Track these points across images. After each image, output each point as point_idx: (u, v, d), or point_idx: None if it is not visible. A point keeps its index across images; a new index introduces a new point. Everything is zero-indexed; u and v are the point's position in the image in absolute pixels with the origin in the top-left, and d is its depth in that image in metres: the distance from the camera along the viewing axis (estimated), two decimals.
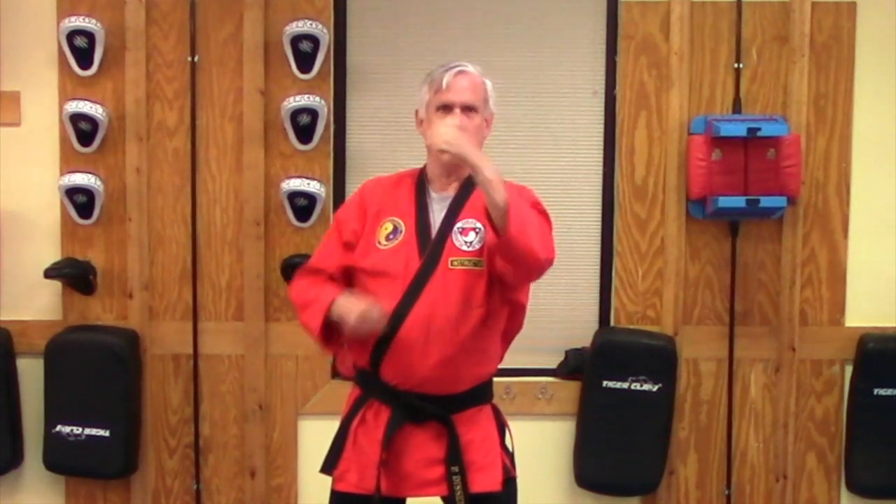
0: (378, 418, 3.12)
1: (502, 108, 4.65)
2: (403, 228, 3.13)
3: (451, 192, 3.16)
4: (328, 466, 3.17)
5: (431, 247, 3.09)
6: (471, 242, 3.07)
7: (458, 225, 3.09)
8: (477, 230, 3.07)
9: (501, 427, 3.20)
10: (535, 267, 2.95)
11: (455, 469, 3.04)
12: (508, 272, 2.99)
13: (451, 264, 3.06)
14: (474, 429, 3.11)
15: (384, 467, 3.06)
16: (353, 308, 2.98)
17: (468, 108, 3.10)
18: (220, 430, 4.70)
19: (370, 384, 3.15)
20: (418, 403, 3.07)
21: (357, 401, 3.21)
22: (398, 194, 3.20)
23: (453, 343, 3.04)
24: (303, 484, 4.72)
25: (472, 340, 3.06)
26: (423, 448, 3.09)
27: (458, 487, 3.04)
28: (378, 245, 3.12)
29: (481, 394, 3.17)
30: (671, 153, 4.62)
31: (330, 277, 3.18)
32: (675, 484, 4.72)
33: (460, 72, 3.12)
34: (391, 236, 3.12)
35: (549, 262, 2.99)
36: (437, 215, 3.14)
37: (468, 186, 3.11)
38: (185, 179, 4.63)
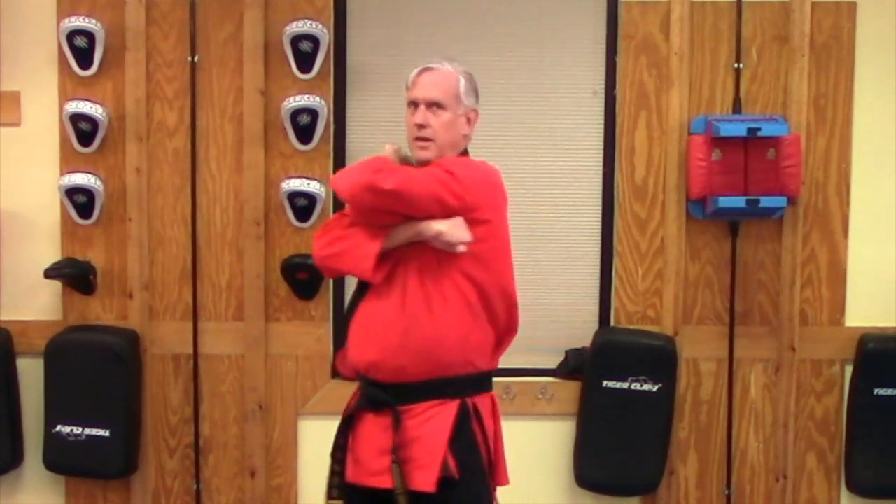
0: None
1: (502, 107, 4.69)
2: None
3: None
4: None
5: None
6: None
7: None
8: None
9: (463, 426, 3.08)
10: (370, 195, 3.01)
11: (394, 458, 3.04)
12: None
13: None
14: (426, 425, 3.07)
15: (350, 453, 3.11)
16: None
17: (433, 104, 3.14)
18: (220, 430, 4.70)
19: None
20: (370, 390, 3.11)
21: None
22: None
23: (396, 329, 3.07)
24: (303, 484, 4.72)
25: (419, 327, 3.05)
26: (375, 437, 3.09)
27: (398, 481, 3.03)
28: None
29: (439, 388, 3.09)
30: (671, 153, 4.62)
31: None
32: (675, 484, 4.72)
33: (426, 69, 3.20)
34: None
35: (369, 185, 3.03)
36: None
37: None
38: (185, 179, 4.63)
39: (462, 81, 3.18)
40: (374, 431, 3.10)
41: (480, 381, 3.17)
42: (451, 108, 3.15)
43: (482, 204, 3.08)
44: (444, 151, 3.15)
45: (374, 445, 3.09)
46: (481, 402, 3.15)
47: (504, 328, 3.19)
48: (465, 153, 3.23)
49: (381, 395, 3.09)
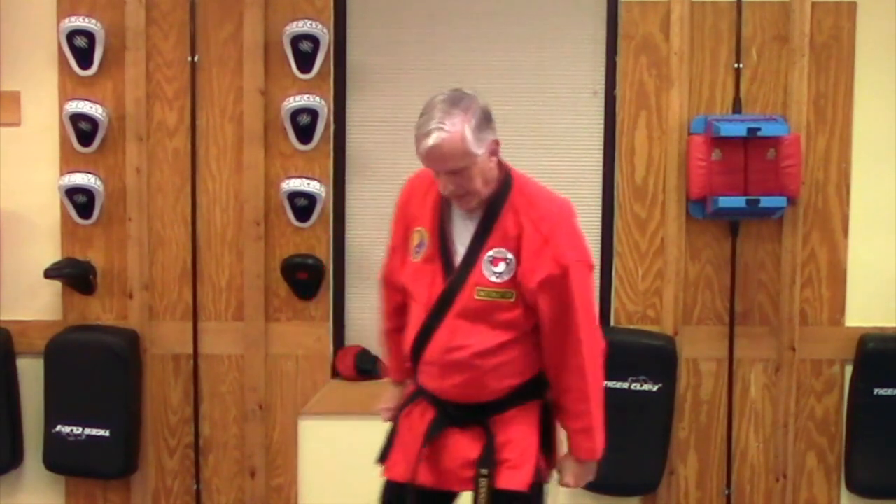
0: (424, 416, 3.15)
1: (502, 107, 4.65)
2: (426, 242, 3.09)
3: (478, 211, 3.05)
4: (380, 457, 3.26)
5: (458, 272, 3.04)
6: (500, 273, 3.00)
7: (490, 254, 3.02)
8: (507, 261, 3.00)
9: (547, 427, 3.13)
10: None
11: (484, 472, 3.04)
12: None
13: (478, 294, 3.02)
14: (513, 428, 3.07)
15: (428, 462, 3.10)
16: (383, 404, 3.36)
17: (451, 172, 2.94)
18: (220, 430, 4.70)
19: (419, 385, 3.20)
20: (454, 412, 3.10)
21: (410, 396, 3.24)
22: (427, 200, 3.13)
23: (474, 368, 3.03)
24: (303, 484, 4.72)
25: (496, 362, 3.04)
26: (463, 449, 3.10)
27: (483, 490, 3.03)
28: (411, 257, 3.14)
29: (521, 395, 3.10)
30: (671, 153, 4.62)
31: (399, 293, 3.23)
32: (675, 484, 4.72)
33: (430, 147, 2.90)
34: (418, 249, 3.11)
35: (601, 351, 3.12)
36: (459, 232, 3.06)
37: (494, 207, 3.03)
38: (185, 179, 4.63)
39: (468, 134, 2.90)
40: (460, 444, 3.10)
41: (545, 379, 3.14)
42: (471, 164, 2.92)
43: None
44: (482, 193, 3.00)
45: (461, 456, 3.10)
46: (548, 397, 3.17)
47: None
48: (504, 175, 3.06)
49: (470, 416, 3.09)
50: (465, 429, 3.10)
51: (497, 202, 3.02)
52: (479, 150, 2.93)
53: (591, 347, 3.04)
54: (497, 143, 3.02)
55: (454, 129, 2.89)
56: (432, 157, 2.92)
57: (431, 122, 2.90)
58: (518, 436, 3.08)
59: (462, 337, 3.02)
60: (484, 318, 3.02)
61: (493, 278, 3.01)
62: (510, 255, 3.01)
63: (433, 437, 3.10)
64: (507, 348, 3.03)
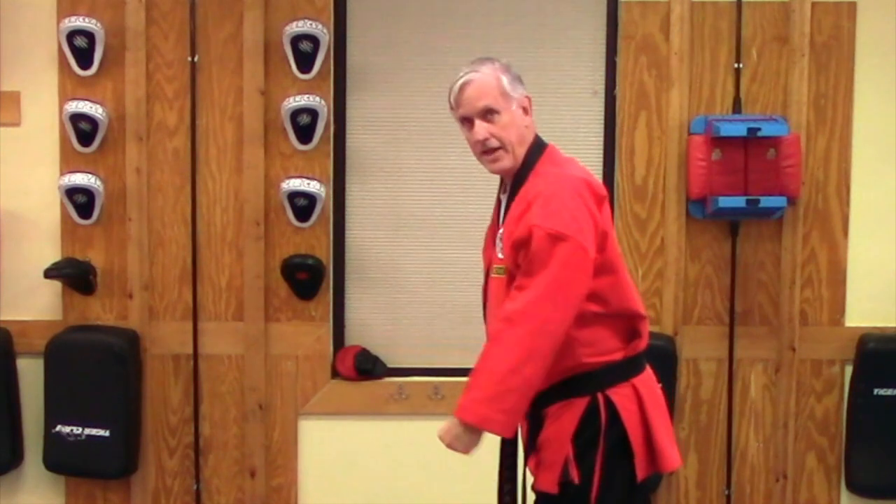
0: None
1: None
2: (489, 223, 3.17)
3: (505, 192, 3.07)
4: None
5: (488, 252, 3.09)
6: (503, 249, 3.00)
7: (501, 230, 3.02)
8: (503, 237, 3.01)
9: (586, 426, 2.97)
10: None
11: (514, 475, 3.07)
12: None
13: (494, 272, 3.04)
14: (555, 425, 2.99)
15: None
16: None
17: (486, 113, 2.99)
18: (220, 430, 4.70)
19: None
20: None
21: None
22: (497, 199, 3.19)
23: None
24: (303, 484, 4.72)
25: None
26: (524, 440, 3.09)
27: (508, 497, 3.06)
28: None
29: (570, 388, 2.98)
30: (671, 153, 4.62)
31: None
32: (675, 484, 4.72)
33: (464, 83, 3.01)
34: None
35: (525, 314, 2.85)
36: (503, 213, 3.07)
37: (519, 180, 3.02)
38: (185, 179, 4.63)
39: (504, 77, 3.02)
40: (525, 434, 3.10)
41: (610, 373, 3.03)
42: (505, 108, 3.00)
43: (588, 231, 2.89)
44: (516, 151, 3.01)
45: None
46: (618, 392, 3.00)
47: (628, 315, 3.08)
48: (537, 143, 3.07)
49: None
50: (526, 418, 3.04)
51: (522, 176, 3.01)
52: (513, 95, 3.01)
53: (527, 317, 2.81)
54: (529, 100, 3.07)
55: (490, 72, 3.03)
56: (467, 94, 3.00)
57: (462, 71, 3.04)
58: (554, 435, 2.98)
59: (494, 317, 2.98)
60: (497, 298, 3.00)
61: (500, 254, 3.01)
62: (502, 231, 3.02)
63: (524, 427, 3.10)
64: None
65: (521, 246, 2.89)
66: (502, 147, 3.01)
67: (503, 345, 2.83)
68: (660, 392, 3.16)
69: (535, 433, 3.03)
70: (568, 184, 2.95)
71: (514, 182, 3.04)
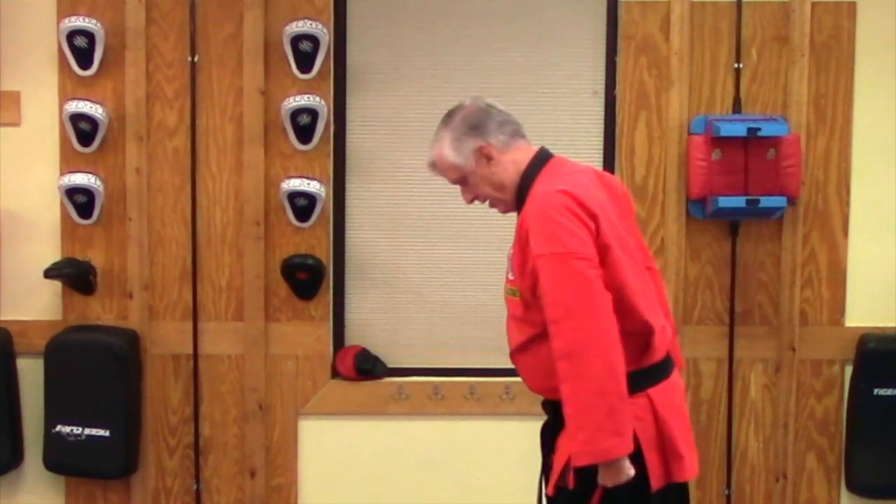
0: None
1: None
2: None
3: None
4: None
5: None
6: (512, 269, 3.04)
7: (510, 252, 3.05)
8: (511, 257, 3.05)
9: None
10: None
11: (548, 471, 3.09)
12: None
13: (505, 292, 3.10)
14: (563, 432, 2.99)
15: None
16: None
17: (456, 183, 3.14)
18: (220, 430, 4.70)
19: None
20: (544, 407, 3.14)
21: None
22: None
23: (518, 365, 3.09)
24: (303, 484, 4.72)
25: (530, 359, 3.03)
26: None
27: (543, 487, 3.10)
28: None
29: None
30: (671, 153, 4.62)
31: None
32: None
33: (429, 165, 3.18)
34: None
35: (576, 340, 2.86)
36: None
37: (519, 205, 3.06)
38: (185, 179, 4.63)
39: (447, 150, 3.09)
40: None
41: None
42: (466, 173, 3.09)
43: (585, 238, 2.89)
44: (504, 194, 3.09)
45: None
46: (633, 403, 2.93)
47: (635, 331, 2.98)
48: (532, 164, 3.09)
49: (550, 412, 3.09)
50: (549, 422, 3.11)
51: (521, 200, 3.04)
52: (462, 161, 3.07)
53: (565, 344, 2.84)
54: (483, 148, 3.06)
55: (437, 147, 3.12)
56: (436, 172, 3.16)
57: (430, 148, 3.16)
58: (564, 440, 2.97)
59: (509, 334, 3.10)
60: (514, 314, 3.07)
61: (510, 275, 3.06)
62: (511, 251, 3.06)
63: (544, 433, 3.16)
64: (534, 345, 2.99)
65: (532, 276, 2.93)
66: (486, 199, 3.14)
67: (572, 381, 2.84)
68: (681, 401, 3.16)
69: (555, 437, 3.04)
70: (554, 200, 2.93)
71: (517, 205, 3.10)
